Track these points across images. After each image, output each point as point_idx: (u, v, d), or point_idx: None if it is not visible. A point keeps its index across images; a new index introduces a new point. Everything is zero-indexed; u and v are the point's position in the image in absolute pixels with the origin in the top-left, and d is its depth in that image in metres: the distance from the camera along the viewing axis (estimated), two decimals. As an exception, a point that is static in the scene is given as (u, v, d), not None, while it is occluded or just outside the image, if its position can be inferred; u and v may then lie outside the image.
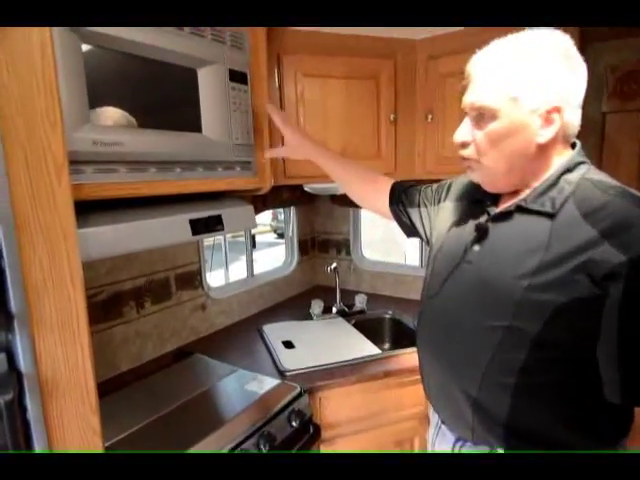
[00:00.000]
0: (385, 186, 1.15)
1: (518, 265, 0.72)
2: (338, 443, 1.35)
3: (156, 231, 0.97)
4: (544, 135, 0.71)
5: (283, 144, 1.27)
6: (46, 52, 0.61)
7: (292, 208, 2.21)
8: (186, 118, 1.00)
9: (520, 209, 0.76)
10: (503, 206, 0.80)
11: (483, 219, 0.82)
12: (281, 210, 2.38)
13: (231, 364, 1.40)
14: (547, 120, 0.71)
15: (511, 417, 0.75)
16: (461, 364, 0.81)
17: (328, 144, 1.49)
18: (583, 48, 1.37)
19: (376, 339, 1.77)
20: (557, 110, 0.70)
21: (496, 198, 0.83)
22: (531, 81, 0.70)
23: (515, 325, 0.72)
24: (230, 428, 1.04)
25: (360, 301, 1.90)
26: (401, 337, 1.79)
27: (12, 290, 0.57)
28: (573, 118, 0.74)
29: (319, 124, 1.48)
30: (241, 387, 1.23)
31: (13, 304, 0.57)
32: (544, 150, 0.73)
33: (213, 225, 1.10)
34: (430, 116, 1.54)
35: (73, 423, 0.66)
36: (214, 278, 2.00)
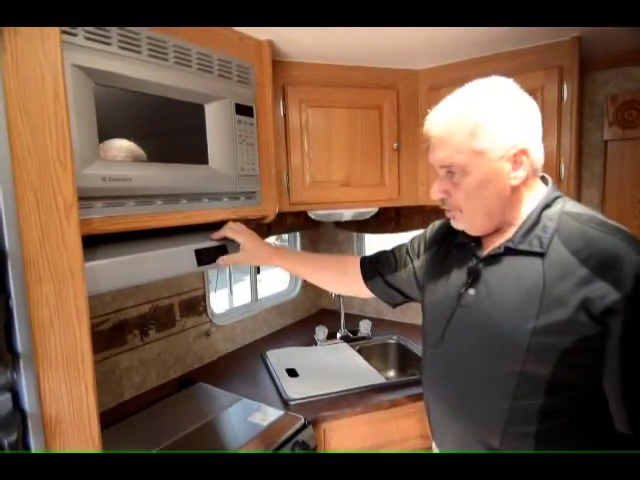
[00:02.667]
0: (354, 266, 1.12)
1: (519, 308, 0.72)
2: (343, 476, 1.32)
3: (162, 263, 0.98)
4: (517, 177, 0.74)
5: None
6: (59, 95, 0.63)
7: (297, 233, 2.22)
8: (193, 151, 1.02)
9: (509, 250, 0.76)
10: (490, 247, 0.80)
11: (473, 263, 0.81)
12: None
13: (234, 393, 1.38)
14: (516, 162, 0.74)
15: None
16: (480, 416, 0.78)
17: (332, 173, 1.52)
18: (582, 78, 1.40)
19: (381, 365, 1.76)
20: (524, 152, 0.74)
21: (478, 239, 0.84)
22: (491, 131, 0.72)
23: (528, 370, 0.72)
24: (233, 462, 1.02)
25: (365, 327, 1.89)
26: (406, 363, 1.77)
27: (19, 329, 0.57)
28: (538, 153, 0.77)
29: (323, 153, 1.50)
30: (245, 418, 1.21)
31: (19, 343, 0.57)
32: (520, 189, 0.76)
33: (218, 255, 1.11)
34: (433, 144, 1.56)
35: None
36: (218, 299, 1.99)
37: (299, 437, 1.16)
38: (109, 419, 1.23)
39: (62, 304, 0.62)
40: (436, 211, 1.87)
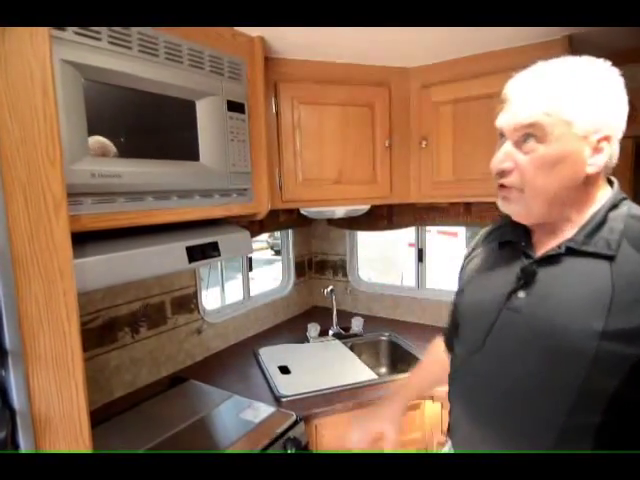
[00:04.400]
0: (441, 346, 1.04)
1: (584, 311, 0.64)
2: (334, 471, 1.33)
3: (153, 260, 0.98)
4: (594, 164, 0.66)
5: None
6: (48, 91, 0.62)
7: (289, 230, 2.22)
8: (184, 147, 1.02)
9: (571, 251, 0.68)
10: (546, 248, 0.72)
11: (525, 263, 0.73)
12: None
13: (226, 390, 1.38)
14: (596, 149, 0.66)
15: None
16: (529, 433, 0.70)
17: (324, 170, 1.52)
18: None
19: (373, 361, 1.77)
20: (607, 139, 0.66)
21: (529, 238, 0.76)
22: (586, 105, 0.65)
23: (591, 382, 0.64)
24: (225, 459, 1.03)
25: (357, 324, 1.90)
26: (398, 359, 1.78)
27: (7, 327, 0.57)
28: (616, 150, 0.69)
29: (315, 150, 1.50)
30: (236, 415, 1.21)
31: (8, 341, 0.57)
32: (590, 182, 0.68)
33: (209, 252, 1.11)
34: (424, 142, 1.57)
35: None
36: (210, 297, 1.99)
37: (291, 433, 1.16)
38: (99, 417, 1.22)
39: (51, 302, 0.62)
40: (428, 209, 1.89)
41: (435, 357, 1.06)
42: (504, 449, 0.72)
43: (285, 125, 1.45)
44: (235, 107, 1.14)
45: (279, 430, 1.14)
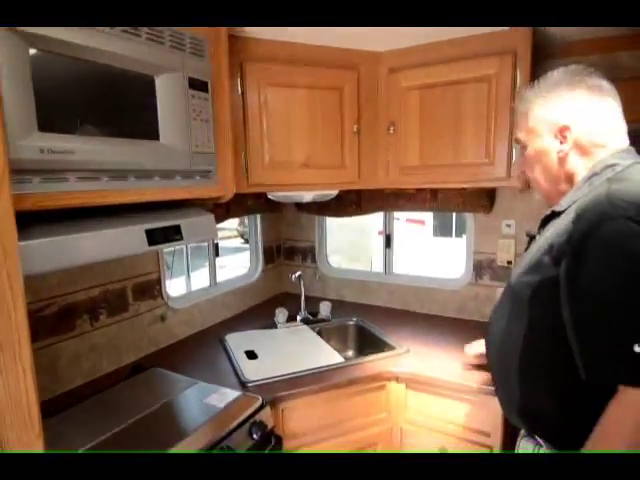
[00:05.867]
0: None
1: (526, 261, 0.86)
2: (301, 454, 1.35)
3: (109, 242, 0.93)
4: (562, 150, 0.87)
5: None
6: (-14, 56, 0.57)
7: (257, 216, 2.19)
8: (143, 126, 0.97)
9: (555, 213, 0.87)
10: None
11: (535, 229, 0.95)
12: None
13: (191, 377, 1.36)
14: (563, 138, 0.86)
15: (521, 402, 0.87)
16: (505, 376, 0.91)
17: (292, 154, 1.50)
18: (535, 66, 1.43)
19: (340, 345, 1.79)
20: (566, 129, 0.85)
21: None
22: (538, 112, 0.89)
23: (514, 310, 0.87)
24: (187, 444, 1.01)
25: (324, 309, 1.91)
26: (365, 343, 1.80)
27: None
28: (585, 129, 0.84)
29: (283, 134, 1.48)
30: (200, 401, 1.19)
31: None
32: (566, 161, 0.87)
33: (171, 235, 1.07)
34: (392, 128, 1.57)
35: (16, 449, 0.62)
36: (176, 286, 1.94)
37: (257, 417, 1.16)
38: (57, 407, 1.18)
39: (-6, 284, 0.58)
40: (395, 195, 1.91)
41: None
42: (500, 391, 0.96)
43: (251, 106, 1.41)
44: (197, 85, 1.09)
45: (245, 414, 1.13)
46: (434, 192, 1.81)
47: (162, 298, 1.67)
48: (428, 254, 7.18)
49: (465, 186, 1.63)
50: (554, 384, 0.81)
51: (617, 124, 0.85)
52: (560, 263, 0.74)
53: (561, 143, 0.86)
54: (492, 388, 1.27)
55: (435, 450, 1.39)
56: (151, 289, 1.62)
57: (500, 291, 1.81)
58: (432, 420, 1.41)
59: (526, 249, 0.95)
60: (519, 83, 1.36)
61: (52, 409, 1.15)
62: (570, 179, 0.88)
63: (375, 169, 1.63)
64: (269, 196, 1.65)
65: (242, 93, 1.40)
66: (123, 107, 0.93)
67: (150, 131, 0.98)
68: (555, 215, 0.86)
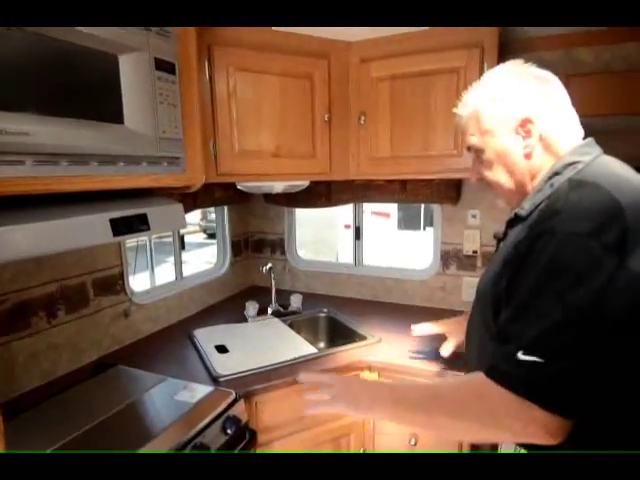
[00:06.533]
0: None
1: (492, 265, 0.82)
2: (275, 446, 1.33)
3: (70, 232, 0.87)
4: (529, 145, 0.79)
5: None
6: None
7: (225, 207, 2.14)
8: (106, 108, 0.91)
9: (518, 217, 0.81)
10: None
11: (500, 232, 0.90)
12: (211, 209, 2.29)
13: (159, 374, 1.31)
14: (526, 132, 0.79)
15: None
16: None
17: (262, 142, 1.47)
18: (501, 60, 1.47)
19: (312, 337, 1.78)
20: (528, 121, 0.78)
21: None
22: (491, 111, 0.81)
23: (481, 319, 0.83)
24: (158, 443, 0.97)
25: (295, 301, 1.89)
26: (336, 334, 1.81)
27: None
28: (549, 122, 0.79)
29: (253, 122, 1.44)
30: (171, 397, 1.15)
31: None
32: (533, 157, 0.80)
33: (137, 225, 1.02)
34: (363, 118, 1.57)
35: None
36: (138, 282, 1.86)
37: (230, 412, 1.13)
38: (14, 409, 1.09)
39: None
40: (365, 187, 1.91)
41: None
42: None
43: (220, 92, 1.37)
44: (164, 67, 1.04)
45: (218, 409, 1.10)
46: (403, 183, 1.83)
47: (125, 293, 1.59)
48: (393, 247, 7.32)
49: (434, 177, 1.66)
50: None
51: (571, 113, 0.82)
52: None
53: (524, 138, 0.79)
54: (461, 374, 1.31)
55: (406, 437, 1.42)
56: (113, 284, 1.54)
57: (467, 280, 1.86)
58: (404, 407, 1.43)
59: (496, 251, 0.91)
60: (486, 76, 1.39)
61: (9, 412, 1.07)
62: (533, 178, 0.82)
63: (346, 160, 1.62)
64: (239, 186, 1.61)
65: (210, 77, 1.34)
66: (85, 87, 0.86)
67: (114, 114, 0.92)
68: (518, 219, 0.81)
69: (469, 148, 0.88)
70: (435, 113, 1.48)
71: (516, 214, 0.81)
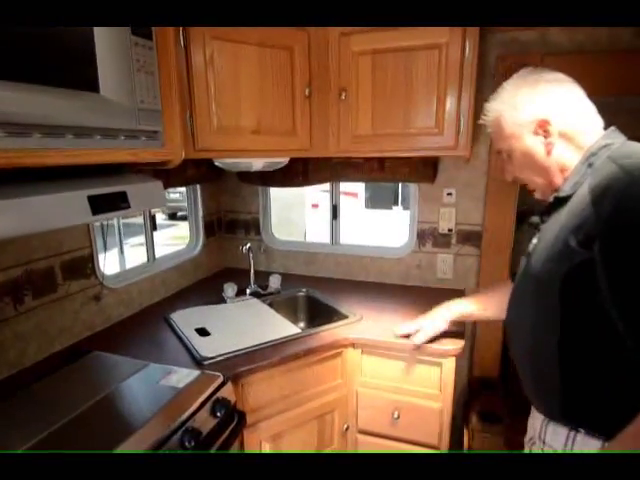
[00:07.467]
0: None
1: (547, 248, 0.83)
2: (261, 427, 1.32)
3: (45, 211, 0.80)
4: (549, 143, 0.87)
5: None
6: None
7: (197, 186, 2.05)
8: (80, 75, 0.83)
9: (558, 200, 0.86)
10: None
11: (534, 219, 0.96)
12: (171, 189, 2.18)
13: (139, 359, 1.25)
14: (545, 132, 0.86)
15: (564, 399, 0.84)
16: (520, 353, 0.94)
17: (241, 118, 1.41)
18: (482, 41, 1.48)
19: (292, 317, 1.77)
20: (545, 122, 0.85)
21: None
22: (510, 117, 0.89)
23: (538, 301, 0.85)
24: (148, 431, 0.93)
25: (274, 281, 1.86)
26: (317, 314, 1.81)
27: None
28: (567, 118, 0.86)
29: (231, 95, 1.37)
30: (157, 383, 1.10)
31: None
32: (556, 152, 0.87)
33: (117, 203, 0.95)
34: (344, 94, 1.53)
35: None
36: (108, 262, 1.75)
37: (218, 394, 1.11)
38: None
39: None
40: (343, 165, 1.89)
41: (497, 287, 1.27)
42: (534, 391, 0.92)
43: (196, 62, 1.28)
44: (141, 31, 0.96)
45: (207, 392, 1.08)
46: (381, 162, 1.83)
47: (96, 277, 1.50)
48: (362, 226, 7.38)
49: (414, 155, 1.66)
50: (604, 374, 0.78)
51: (589, 107, 0.87)
52: (591, 246, 0.72)
53: (545, 137, 0.86)
54: (446, 348, 1.36)
55: (389, 411, 1.46)
56: (82, 267, 1.45)
57: (443, 257, 1.91)
58: (386, 382, 1.46)
59: (531, 239, 0.95)
60: (468, 54, 1.40)
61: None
62: (562, 169, 0.87)
63: (326, 136, 1.59)
64: (216, 163, 1.54)
65: (185, 46, 1.26)
66: (57, 51, 0.78)
67: (89, 81, 0.84)
68: (559, 202, 0.86)
69: (499, 152, 0.97)
70: (416, 89, 1.47)
71: (556, 197, 0.87)
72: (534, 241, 0.93)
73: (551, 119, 0.85)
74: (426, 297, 1.81)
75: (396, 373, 1.45)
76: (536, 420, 0.93)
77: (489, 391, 1.82)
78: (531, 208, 2.01)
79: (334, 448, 1.52)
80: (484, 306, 1.28)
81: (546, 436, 0.88)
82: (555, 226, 0.83)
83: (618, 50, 1.52)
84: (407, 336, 1.38)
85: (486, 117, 0.96)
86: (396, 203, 10.32)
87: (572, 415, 0.82)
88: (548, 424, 0.88)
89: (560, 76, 0.89)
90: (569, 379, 0.81)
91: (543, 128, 0.86)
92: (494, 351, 1.89)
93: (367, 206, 10.14)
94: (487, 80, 1.65)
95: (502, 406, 1.73)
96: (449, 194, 1.86)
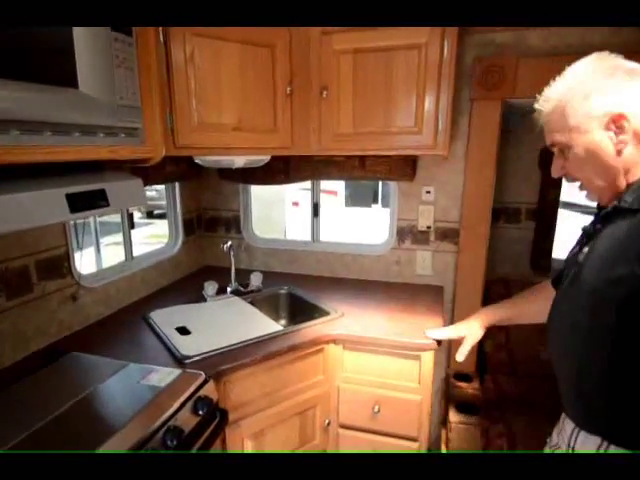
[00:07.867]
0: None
1: (603, 262, 0.77)
2: (244, 424, 1.33)
3: (22, 209, 0.78)
4: (622, 141, 0.76)
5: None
6: None
7: (176, 184, 2.03)
8: (58, 70, 0.81)
9: (618, 210, 0.78)
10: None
11: (589, 225, 0.87)
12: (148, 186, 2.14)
13: (119, 359, 1.24)
14: (618, 128, 0.75)
15: (610, 415, 0.80)
16: (566, 365, 0.87)
17: (222, 115, 1.40)
18: (460, 42, 1.51)
19: (273, 314, 1.78)
20: (621, 117, 0.74)
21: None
22: (579, 107, 0.77)
23: (598, 320, 0.77)
24: (130, 430, 0.92)
25: (255, 280, 1.86)
26: (298, 311, 1.82)
27: None
28: None
29: (212, 92, 1.36)
30: (137, 382, 1.09)
31: None
32: (624, 152, 0.77)
33: (96, 201, 0.93)
34: (325, 92, 1.54)
35: None
36: (84, 264, 1.72)
37: (200, 393, 1.10)
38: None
39: None
40: (325, 163, 1.90)
41: (537, 292, 1.17)
42: (577, 406, 0.86)
43: (177, 59, 1.27)
44: (120, 26, 0.94)
45: (189, 391, 1.07)
46: (362, 160, 1.85)
47: (72, 276, 1.47)
48: (342, 224, 7.42)
49: (394, 154, 1.69)
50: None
51: None
52: None
53: (617, 134, 0.75)
54: (424, 342, 1.39)
55: (370, 404, 1.48)
56: (58, 266, 1.42)
57: (422, 254, 1.94)
58: (367, 376, 1.49)
59: (580, 244, 0.89)
60: (446, 54, 1.43)
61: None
62: (628, 172, 0.78)
63: (308, 135, 1.60)
64: (196, 160, 1.53)
65: (164, 42, 1.24)
66: (34, 46, 0.76)
67: (67, 77, 0.83)
68: (619, 212, 0.78)
69: (552, 144, 0.85)
70: (396, 89, 1.49)
71: (615, 207, 0.78)
72: (585, 250, 0.85)
73: (629, 115, 0.74)
74: (406, 293, 1.85)
75: (377, 368, 1.47)
76: (566, 426, 0.91)
77: (466, 383, 1.87)
78: (505, 206, 2.07)
79: (316, 443, 1.54)
80: (519, 311, 1.23)
81: (576, 443, 0.87)
82: (613, 241, 0.77)
83: (589, 52, 1.58)
84: (439, 342, 1.36)
85: (545, 104, 0.83)
86: (375, 201, 10.42)
87: (616, 432, 0.80)
88: (579, 432, 0.86)
89: (638, 66, 0.77)
90: (616, 396, 0.78)
91: (617, 124, 0.75)
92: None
93: (347, 204, 10.20)
94: (464, 81, 1.69)
95: (479, 398, 1.79)
96: (428, 192, 1.90)
